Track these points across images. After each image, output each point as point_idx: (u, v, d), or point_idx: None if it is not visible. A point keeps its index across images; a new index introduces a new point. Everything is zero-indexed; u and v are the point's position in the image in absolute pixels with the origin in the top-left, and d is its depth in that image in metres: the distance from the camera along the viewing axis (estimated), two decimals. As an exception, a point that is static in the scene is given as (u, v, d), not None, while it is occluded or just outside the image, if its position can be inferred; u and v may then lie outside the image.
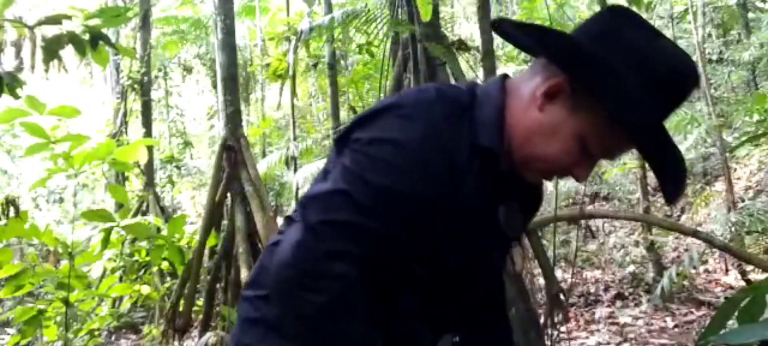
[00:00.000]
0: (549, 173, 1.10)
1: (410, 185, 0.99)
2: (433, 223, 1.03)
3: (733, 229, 6.05)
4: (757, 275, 5.45)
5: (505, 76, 1.12)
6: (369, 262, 0.99)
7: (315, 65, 9.98)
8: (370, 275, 0.99)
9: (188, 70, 12.37)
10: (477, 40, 5.26)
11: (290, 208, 11.42)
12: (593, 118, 1.00)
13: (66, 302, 3.44)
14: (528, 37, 1.10)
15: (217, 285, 5.36)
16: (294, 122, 9.84)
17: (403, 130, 1.00)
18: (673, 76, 1.00)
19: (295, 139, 9.57)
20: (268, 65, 10.57)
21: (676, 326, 5.29)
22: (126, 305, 6.47)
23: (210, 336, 4.35)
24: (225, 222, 5.55)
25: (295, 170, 9.45)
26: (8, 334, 5.78)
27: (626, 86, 0.97)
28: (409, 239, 1.03)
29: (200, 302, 5.38)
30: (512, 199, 1.15)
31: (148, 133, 8.72)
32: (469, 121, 1.04)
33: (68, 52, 2.99)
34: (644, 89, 0.97)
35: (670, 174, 1.04)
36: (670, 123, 7.12)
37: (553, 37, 1.05)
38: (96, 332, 4.59)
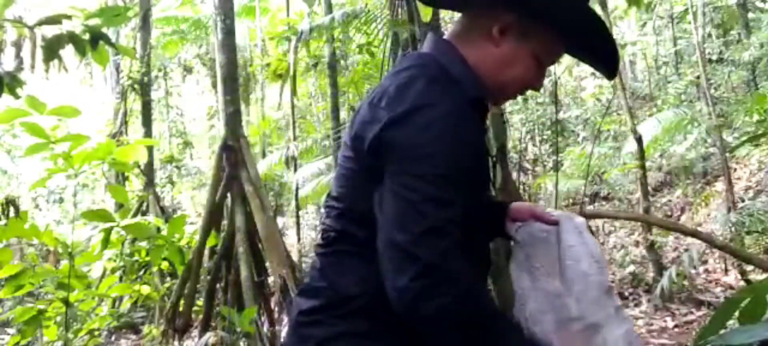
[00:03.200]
0: (519, 92, 1.34)
1: (454, 142, 1.14)
2: (480, 166, 1.25)
3: (733, 229, 6.05)
4: (757, 275, 5.45)
5: (439, 38, 1.34)
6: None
7: (315, 65, 9.97)
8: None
9: (188, 70, 12.38)
10: (477, 40, 5.25)
11: (290, 208, 11.43)
12: (539, 36, 1.26)
13: (66, 302, 3.44)
14: None
15: (217, 285, 5.36)
16: (294, 122, 9.84)
17: (431, 106, 1.15)
18: None
19: (295, 139, 9.58)
20: (268, 65, 10.57)
21: (676, 326, 5.29)
22: (126, 305, 6.47)
23: (210, 336, 4.35)
24: (225, 222, 5.55)
25: (295, 170, 9.45)
26: (8, 334, 5.78)
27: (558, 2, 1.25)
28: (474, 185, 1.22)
29: (200, 302, 5.38)
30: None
31: (148, 134, 8.71)
32: (456, 83, 1.23)
33: (68, 52, 2.98)
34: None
35: (606, 54, 1.33)
36: (671, 123, 7.16)
37: None
38: (96, 332, 4.58)
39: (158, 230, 4.79)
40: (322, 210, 1.30)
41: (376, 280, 1.13)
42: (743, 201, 7.09)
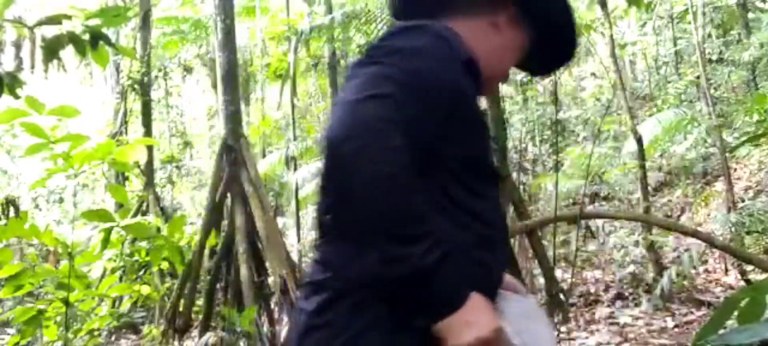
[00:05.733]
0: (501, 80, 1.35)
1: (438, 73, 1.09)
2: (458, 111, 1.12)
3: (733, 229, 6.05)
4: (757, 275, 5.45)
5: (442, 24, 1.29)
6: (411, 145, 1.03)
7: (315, 65, 9.98)
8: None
9: (188, 70, 12.37)
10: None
11: (290, 208, 11.42)
12: (527, 28, 1.28)
13: (66, 302, 3.44)
14: None
15: (217, 285, 5.37)
16: (294, 122, 9.84)
17: (419, 40, 1.13)
18: None
19: (295, 139, 9.58)
20: (268, 65, 10.58)
21: (676, 326, 5.29)
22: (126, 305, 6.47)
23: (210, 336, 4.35)
24: (225, 222, 5.55)
25: (295, 170, 9.46)
26: (8, 334, 5.78)
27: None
28: (441, 124, 1.09)
29: (200, 302, 5.38)
30: None
31: (148, 133, 8.71)
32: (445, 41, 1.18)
33: (68, 52, 2.98)
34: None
35: (562, 55, 1.38)
36: (671, 123, 7.15)
37: None
38: (96, 332, 4.58)
39: (158, 230, 4.79)
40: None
41: None
42: (743, 201, 7.09)
